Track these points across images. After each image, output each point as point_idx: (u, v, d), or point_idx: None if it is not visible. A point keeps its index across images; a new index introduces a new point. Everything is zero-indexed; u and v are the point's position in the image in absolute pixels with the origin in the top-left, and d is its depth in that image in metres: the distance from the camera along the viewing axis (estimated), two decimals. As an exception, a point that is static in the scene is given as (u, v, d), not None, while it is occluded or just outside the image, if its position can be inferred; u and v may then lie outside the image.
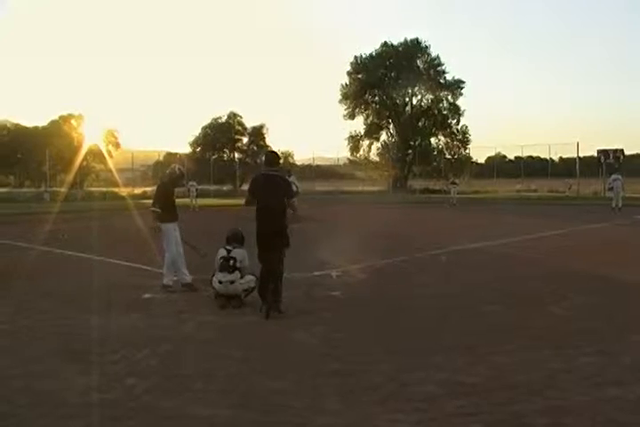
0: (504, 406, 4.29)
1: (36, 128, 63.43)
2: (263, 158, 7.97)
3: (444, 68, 58.13)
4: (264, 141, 63.04)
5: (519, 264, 11.13)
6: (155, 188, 9.71)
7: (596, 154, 41.00)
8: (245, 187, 7.92)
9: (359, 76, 58.98)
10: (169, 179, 9.13)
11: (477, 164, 60.71)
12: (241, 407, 4.34)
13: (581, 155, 44.36)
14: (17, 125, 67.55)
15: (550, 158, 52.91)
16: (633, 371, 5.02)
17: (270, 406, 4.37)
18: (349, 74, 59.74)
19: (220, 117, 62.59)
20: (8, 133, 65.01)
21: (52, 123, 62.78)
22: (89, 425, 4.11)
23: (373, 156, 60.69)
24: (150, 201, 9.33)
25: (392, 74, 57.88)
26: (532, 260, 11.68)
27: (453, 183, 35.62)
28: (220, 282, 7.57)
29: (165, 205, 8.75)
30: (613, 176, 27.73)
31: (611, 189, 27.54)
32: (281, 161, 7.98)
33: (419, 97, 60.05)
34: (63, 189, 42.93)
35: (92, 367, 5.22)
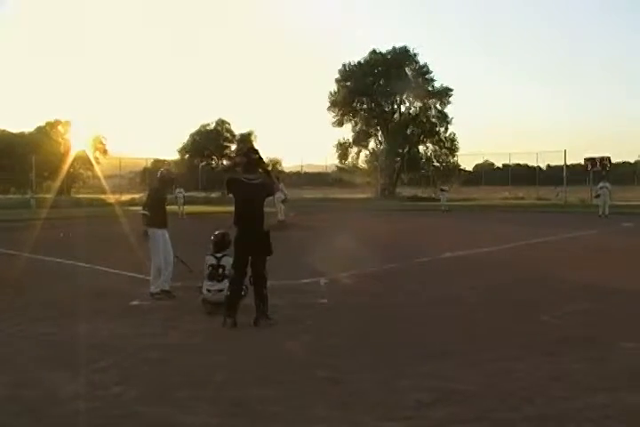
0: (494, 413, 4.28)
1: (22, 134, 63.05)
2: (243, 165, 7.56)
3: (432, 75, 58.37)
4: (253, 148, 62.93)
5: (507, 271, 11.15)
6: (146, 193, 9.59)
7: (583, 162, 41.27)
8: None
9: (347, 83, 59.01)
10: (159, 183, 9.11)
11: (465, 171, 60.99)
12: (229, 416, 4.31)
13: (569, 163, 44.70)
14: (2, 131, 67.14)
15: (538, 166, 53.25)
16: (623, 378, 5.03)
17: (258, 414, 4.34)
18: (338, 81, 59.76)
19: (209, 124, 62.52)
20: (-6, 140, 64.62)
21: (39, 129, 62.46)
22: (75, 434, 4.07)
23: (362, 163, 60.79)
24: (139, 207, 9.30)
25: (380, 81, 57.94)
26: (520, 267, 11.71)
27: (442, 190, 35.79)
28: (209, 291, 7.53)
29: (154, 210, 8.69)
30: (600, 184, 27.99)
31: (597, 196, 27.78)
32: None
33: (407, 105, 60.26)
34: (49, 196, 42.64)
35: (78, 375, 5.18)
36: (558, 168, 48.08)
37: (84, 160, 56.70)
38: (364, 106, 59.38)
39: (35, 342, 6.41)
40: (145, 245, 8.93)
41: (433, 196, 48.18)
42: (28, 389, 4.89)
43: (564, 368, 5.29)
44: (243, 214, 7.10)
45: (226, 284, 7.44)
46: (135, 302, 8.37)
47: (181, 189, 30.36)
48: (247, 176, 7.20)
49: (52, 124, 62.97)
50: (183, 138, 61.81)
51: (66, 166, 47.01)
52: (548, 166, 62.14)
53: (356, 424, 4.15)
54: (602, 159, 38.99)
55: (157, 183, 9.14)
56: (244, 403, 4.54)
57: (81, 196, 53.97)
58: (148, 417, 4.29)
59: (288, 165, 65.35)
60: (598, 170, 38.09)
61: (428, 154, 59.29)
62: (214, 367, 5.46)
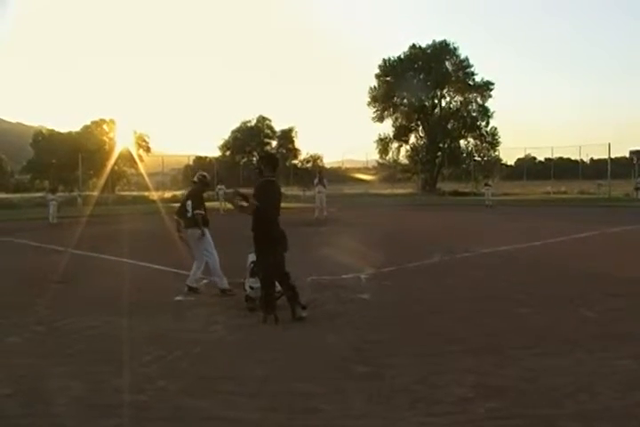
0: (535, 409, 4.24)
1: (69, 133, 64.49)
2: (266, 162, 7.54)
3: (472, 69, 57.70)
4: (293, 145, 63.34)
5: (549, 266, 10.96)
6: (186, 192, 9.62)
7: (628, 155, 40.34)
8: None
9: (388, 78, 58.79)
10: (201, 185, 9.21)
11: (507, 166, 60.22)
12: (269, 410, 4.36)
13: (613, 156, 43.72)
14: (51, 131, 68.85)
15: (581, 159, 52.30)
16: (667, 375, 4.93)
17: (299, 409, 4.37)
18: (378, 77, 59.58)
19: (250, 121, 63.05)
20: (43, 139, 66.27)
21: (85, 128, 63.78)
22: (121, 425, 4.17)
23: (402, 158, 60.47)
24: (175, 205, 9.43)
25: (421, 76, 57.58)
26: (562, 262, 11.50)
27: (487, 185, 35.40)
28: (252, 288, 7.58)
29: (204, 211, 8.85)
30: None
31: (637, 189, 27.35)
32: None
33: (447, 99, 59.76)
34: (95, 193, 43.46)
35: (123, 369, 5.29)
36: (602, 162, 47.13)
37: (127, 158, 57.71)
38: (405, 101, 58.97)
39: (81, 335, 6.56)
40: (185, 244, 9.08)
41: (474, 191, 47.72)
42: (76, 381, 5.02)
43: (608, 365, 5.20)
44: (269, 215, 7.12)
45: None
46: (179, 298, 8.50)
47: (222, 186, 30.65)
48: (271, 174, 7.38)
49: (98, 123, 64.26)
50: (224, 135, 62.42)
51: (110, 164, 47.85)
52: (592, 160, 61.03)
53: (396, 420, 4.16)
54: (649, 151, 38.03)
55: (200, 186, 9.21)
56: (284, 398, 4.59)
57: (125, 193, 54.85)
58: (191, 411, 4.37)
59: (329, 160, 65.51)
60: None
61: (469, 148, 58.73)
62: (255, 362, 5.52)
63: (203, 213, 8.77)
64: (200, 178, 9.24)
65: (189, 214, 8.76)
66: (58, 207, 24.69)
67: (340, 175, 56.14)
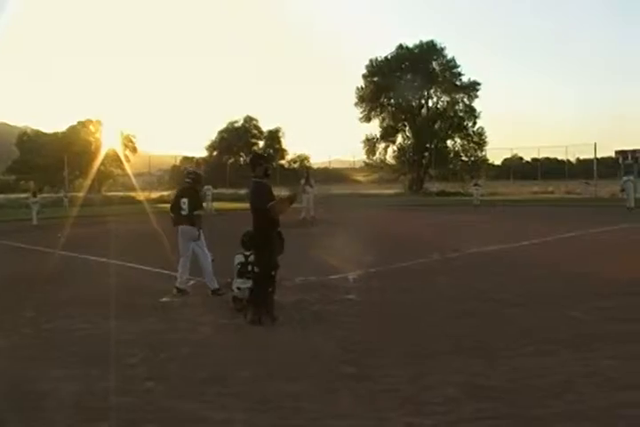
0: (523, 409, 4.26)
1: (55, 134, 64.08)
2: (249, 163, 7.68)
3: (459, 69, 57.76)
4: (280, 145, 63.34)
5: (535, 268, 10.98)
6: (178, 189, 9.43)
7: (614, 154, 40.58)
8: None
9: (375, 79, 58.75)
10: (198, 183, 9.09)
11: (494, 166, 60.39)
12: (257, 411, 4.35)
13: (599, 156, 43.98)
14: (37, 132, 68.43)
15: (567, 160, 52.59)
16: (654, 374, 4.96)
17: (286, 409, 4.37)
18: (365, 77, 59.53)
19: (237, 121, 62.95)
20: (28, 139, 65.82)
21: (71, 128, 63.38)
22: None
23: (390, 158, 60.49)
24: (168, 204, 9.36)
25: (408, 76, 57.60)
26: (549, 263, 11.53)
27: (476, 185, 35.47)
28: (239, 288, 7.57)
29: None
30: (624, 178, 28.03)
31: (623, 190, 27.71)
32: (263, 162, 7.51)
33: (434, 99, 59.78)
34: (81, 194, 43.19)
35: (111, 371, 5.27)
36: (588, 161, 47.46)
37: (114, 158, 57.43)
38: (392, 101, 58.98)
39: (69, 337, 6.54)
40: (174, 243, 9.04)
41: (461, 191, 47.86)
42: (63, 383, 4.99)
43: (596, 365, 5.23)
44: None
45: None
46: (165, 299, 8.47)
47: (210, 186, 30.63)
48: (251, 175, 7.39)
49: (84, 124, 63.85)
50: (211, 135, 62.28)
51: (97, 165, 47.61)
52: (578, 160, 61.41)
53: (383, 420, 4.16)
54: (633, 152, 38.22)
55: (194, 184, 9.07)
56: (271, 399, 4.58)
57: (111, 193, 54.60)
58: (177, 412, 4.36)
59: (316, 161, 65.53)
60: (630, 163, 37.39)
61: (456, 148, 58.78)
62: (242, 363, 5.51)
63: (201, 213, 8.70)
64: (192, 177, 9.06)
65: (184, 212, 8.67)
66: (39, 209, 24.60)
67: (327, 175, 56.06)
